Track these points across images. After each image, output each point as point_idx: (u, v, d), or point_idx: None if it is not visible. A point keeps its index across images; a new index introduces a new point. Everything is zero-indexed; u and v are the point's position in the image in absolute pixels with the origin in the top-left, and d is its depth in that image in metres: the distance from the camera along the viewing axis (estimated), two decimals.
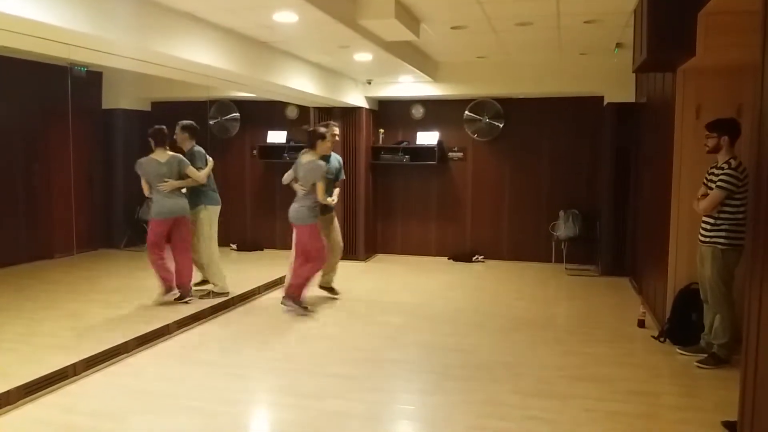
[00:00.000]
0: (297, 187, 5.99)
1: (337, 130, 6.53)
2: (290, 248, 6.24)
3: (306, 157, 5.98)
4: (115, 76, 9.05)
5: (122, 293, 6.73)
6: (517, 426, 3.60)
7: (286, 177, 6.17)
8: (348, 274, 8.18)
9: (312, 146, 6.03)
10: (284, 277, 7.48)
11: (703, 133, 4.63)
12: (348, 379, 4.35)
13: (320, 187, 5.86)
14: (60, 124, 6.85)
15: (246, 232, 9.85)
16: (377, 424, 3.68)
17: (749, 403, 2.66)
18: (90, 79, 8.78)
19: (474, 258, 8.94)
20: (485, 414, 3.77)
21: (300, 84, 6.79)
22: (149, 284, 7.37)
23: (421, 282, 7.72)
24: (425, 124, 9.20)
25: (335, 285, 6.77)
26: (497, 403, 3.94)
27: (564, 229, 8.29)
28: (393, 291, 7.26)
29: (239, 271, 8.07)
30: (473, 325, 5.59)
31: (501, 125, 8.77)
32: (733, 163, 4.43)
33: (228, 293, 6.39)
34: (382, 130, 9.29)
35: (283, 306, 6.14)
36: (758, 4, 2.56)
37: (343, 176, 6.63)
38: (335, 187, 6.45)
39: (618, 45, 6.73)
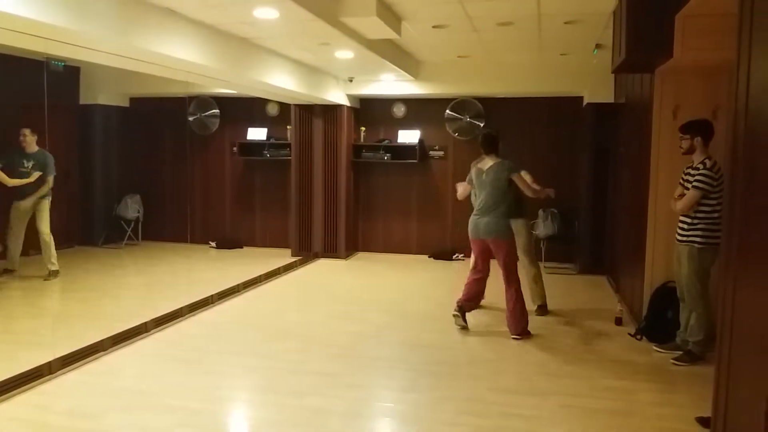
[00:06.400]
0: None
1: None
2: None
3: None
4: (93, 71, 8.93)
5: (99, 291, 6.66)
6: (496, 422, 3.62)
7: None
8: (328, 272, 8.19)
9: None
10: (262, 275, 7.47)
11: (679, 134, 4.69)
12: (328, 377, 4.34)
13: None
14: (36, 119, 6.77)
15: (225, 230, 9.78)
16: (357, 421, 3.68)
17: (723, 399, 2.70)
18: (67, 74, 8.65)
19: (454, 256, 8.98)
20: (464, 411, 3.79)
21: (281, 81, 6.76)
22: (127, 282, 7.31)
23: (401, 280, 7.74)
24: (406, 123, 9.21)
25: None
26: (476, 399, 3.96)
27: (543, 227, 8.35)
28: (373, 289, 7.27)
29: (218, 269, 8.03)
30: (453, 323, 5.60)
31: (482, 124, 8.80)
32: (708, 163, 4.49)
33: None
34: (363, 128, 9.28)
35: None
36: (735, 6, 2.60)
37: None
38: None
39: (597, 46, 6.79)
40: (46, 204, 7.03)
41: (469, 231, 5.52)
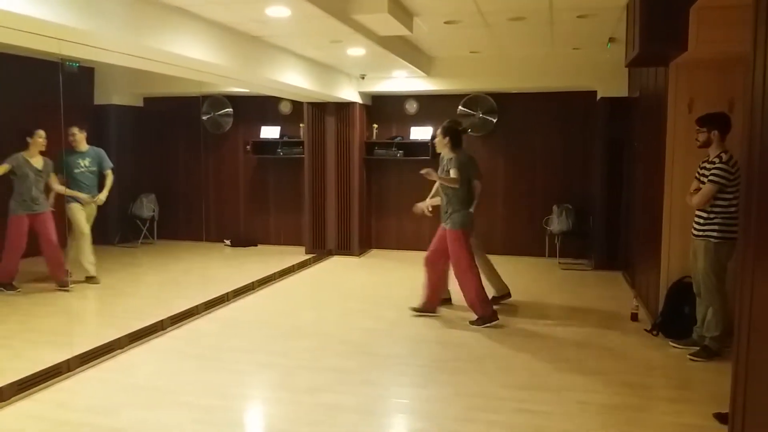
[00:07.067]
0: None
1: None
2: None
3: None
4: (107, 71, 9.01)
5: (115, 289, 6.72)
6: (509, 419, 3.62)
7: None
8: (342, 269, 8.20)
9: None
10: (276, 273, 7.49)
11: (695, 127, 4.65)
12: (342, 373, 4.36)
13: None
14: (52, 120, 6.84)
15: (240, 228, 9.83)
16: (371, 417, 3.68)
17: (741, 395, 2.68)
18: (82, 75, 8.73)
19: None
20: (478, 407, 3.79)
21: (293, 79, 6.78)
22: (143, 280, 7.37)
23: (414, 276, 7.70)
24: (419, 119, 9.20)
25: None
26: (489, 396, 3.96)
27: (557, 223, 8.31)
28: (387, 285, 7.27)
29: (233, 267, 8.07)
30: (466, 319, 5.60)
31: (494, 120, 8.78)
32: (724, 157, 4.45)
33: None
34: (375, 126, 9.28)
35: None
36: None
37: None
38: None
39: (611, 40, 6.74)
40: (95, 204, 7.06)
41: (469, 225, 5.80)
